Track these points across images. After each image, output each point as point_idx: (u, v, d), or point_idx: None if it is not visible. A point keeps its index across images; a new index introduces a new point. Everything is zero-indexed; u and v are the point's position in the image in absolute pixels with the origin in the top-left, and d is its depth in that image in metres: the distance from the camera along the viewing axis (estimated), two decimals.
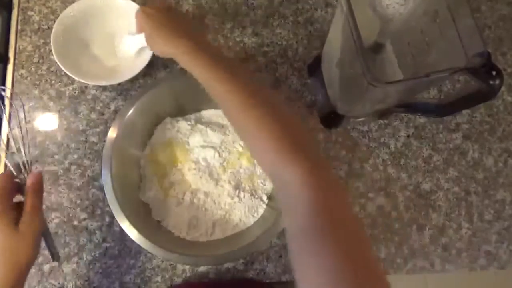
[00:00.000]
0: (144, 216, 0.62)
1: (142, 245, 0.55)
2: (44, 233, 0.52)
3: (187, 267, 0.68)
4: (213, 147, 0.66)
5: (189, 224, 0.62)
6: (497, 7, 0.84)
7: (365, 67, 0.47)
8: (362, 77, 0.48)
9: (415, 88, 0.60)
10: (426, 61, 0.59)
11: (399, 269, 0.71)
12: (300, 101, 0.76)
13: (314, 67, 0.75)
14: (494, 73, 0.48)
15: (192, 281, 0.68)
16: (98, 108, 0.73)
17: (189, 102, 0.68)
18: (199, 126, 0.67)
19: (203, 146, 0.66)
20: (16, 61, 0.74)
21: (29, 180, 0.49)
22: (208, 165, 0.65)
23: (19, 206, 0.48)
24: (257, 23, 0.79)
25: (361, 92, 0.56)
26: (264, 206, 0.64)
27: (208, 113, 0.70)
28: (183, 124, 0.67)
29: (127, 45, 0.69)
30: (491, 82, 0.48)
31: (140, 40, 0.63)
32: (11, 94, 0.72)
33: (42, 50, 0.75)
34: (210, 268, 0.68)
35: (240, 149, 0.67)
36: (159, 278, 0.67)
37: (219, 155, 0.66)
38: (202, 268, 0.68)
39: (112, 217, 0.67)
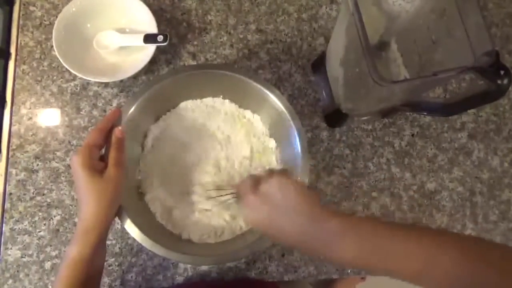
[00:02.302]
0: (145, 214, 0.62)
1: (143, 244, 0.54)
2: None
3: (189, 266, 0.68)
4: (218, 143, 0.65)
5: (191, 223, 0.62)
6: (504, 5, 0.82)
7: (371, 66, 0.46)
8: (367, 75, 0.47)
9: (421, 87, 0.59)
10: (432, 59, 0.58)
11: None
12: (304, 99, 0.75)
13: (319, 65, 0.74)
14: (502, 72, 0.47)
15: (194, 280, 0.67)
16: (100, 105, 0.72)
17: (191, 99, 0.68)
18: None
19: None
20: (18, 57, 0.73)
21: (114, 136, 0.55)
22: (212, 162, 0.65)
23: (102, 158, 0.55)
24: (261, 19, 0.78)
25: (366, 91, 0.55)
26: None
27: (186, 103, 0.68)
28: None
29: (109, 40, 0.71)
30: (499, 82, 0.47)
31: (123, 40, 0.69)
32: (13, 90, 0.72)
33: (43, 45, 0.74)
34: (211, 267, 0.68)
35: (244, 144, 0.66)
36: (160, 277, 0.67)
37: (223, 151, 0.65)
38: (203, 267, 0.68)
39: None
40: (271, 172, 0.51)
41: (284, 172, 0.52)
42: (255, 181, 0.49)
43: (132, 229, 0.55)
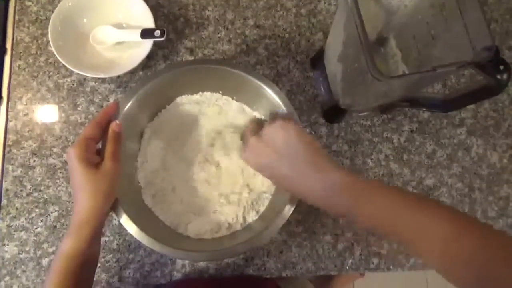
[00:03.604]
0: (142, 210, 0.61)
1: (139, 239, 0.54)
2: None
3: (187, 262, 0.67)
4: (213, 138, 0.65)
5: (189, 219, 0.62)
6: (504, 0, 0.82)
7: (370, 62, 0.46)
8: (366, 71, 0.47)
9: (420, 82, 0.58)
10: (431, 54, 0.58)
11: (401, 265, 0.70)
12: (302, 95, 0.75)
13: (317, 60, 0.73)
14: (501, 67, 0.47)
15: (192, 276, 0.67)
16: (97, 100, 0.72)
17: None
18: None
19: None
20: (14, 52, 0.73)
21: (111, 129, 0.54)
22: (210, 158, 0.64)
23: (99, 152, 0.54)
24: (259, 14, 0.78)
25: (364, 86, 0.55)
26: (267, 202, 0.63)
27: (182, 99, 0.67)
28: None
29: (106, 35, 0.71)
30: (499, 77, 0.47)
31: (120, 35, 0.69)
32: (9, 86, 0.71)
33: (39, 41, 0.73)
34: (209, 263, 0.68)
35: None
36: (158, 273, 0.67)
37: (221, 147, 0.65)
38: (201, 264, 0.68)
39: None
40: (275, 116, 0.50)
41: (288, 117, 0.51)
42: (258, 124, 0.49)
43: (129, 224, 0.54)
